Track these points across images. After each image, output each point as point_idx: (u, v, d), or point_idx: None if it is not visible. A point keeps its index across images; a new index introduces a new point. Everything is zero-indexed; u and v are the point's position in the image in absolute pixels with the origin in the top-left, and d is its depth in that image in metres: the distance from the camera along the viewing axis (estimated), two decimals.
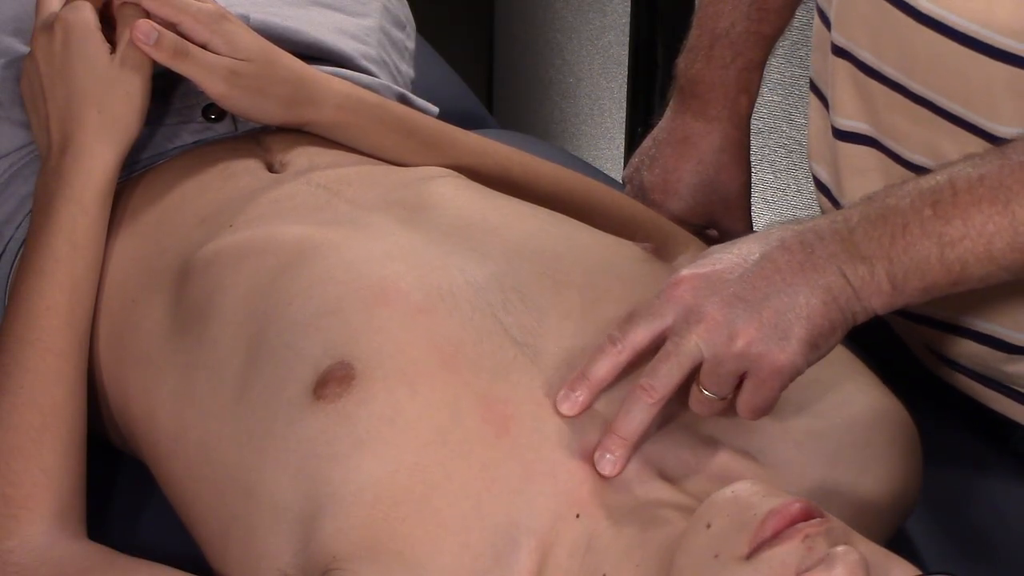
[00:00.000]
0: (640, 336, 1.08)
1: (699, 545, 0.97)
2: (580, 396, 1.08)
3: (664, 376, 1.06)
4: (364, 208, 1.24)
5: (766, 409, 1.08)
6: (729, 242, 1.10)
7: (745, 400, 1.07)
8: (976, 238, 1.05)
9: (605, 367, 1.08)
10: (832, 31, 1.29)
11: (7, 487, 1.15)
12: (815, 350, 1.06)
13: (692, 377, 1.07)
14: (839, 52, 1.28)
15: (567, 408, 1.08)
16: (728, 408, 1.08)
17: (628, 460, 1.07)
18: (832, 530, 0.94)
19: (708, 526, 0.97)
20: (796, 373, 1.06)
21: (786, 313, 1.04)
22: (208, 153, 1.34)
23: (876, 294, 1.06)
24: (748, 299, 1.05)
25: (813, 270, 1.05)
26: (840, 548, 0.92)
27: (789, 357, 1.05)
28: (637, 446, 1.07)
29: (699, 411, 1.08)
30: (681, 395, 1.08)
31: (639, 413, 1.06)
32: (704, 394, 1.07)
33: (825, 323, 1.05)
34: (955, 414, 1.37)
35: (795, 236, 1.07)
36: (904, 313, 1.34)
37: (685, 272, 1.08)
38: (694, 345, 1.05)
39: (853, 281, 1.05)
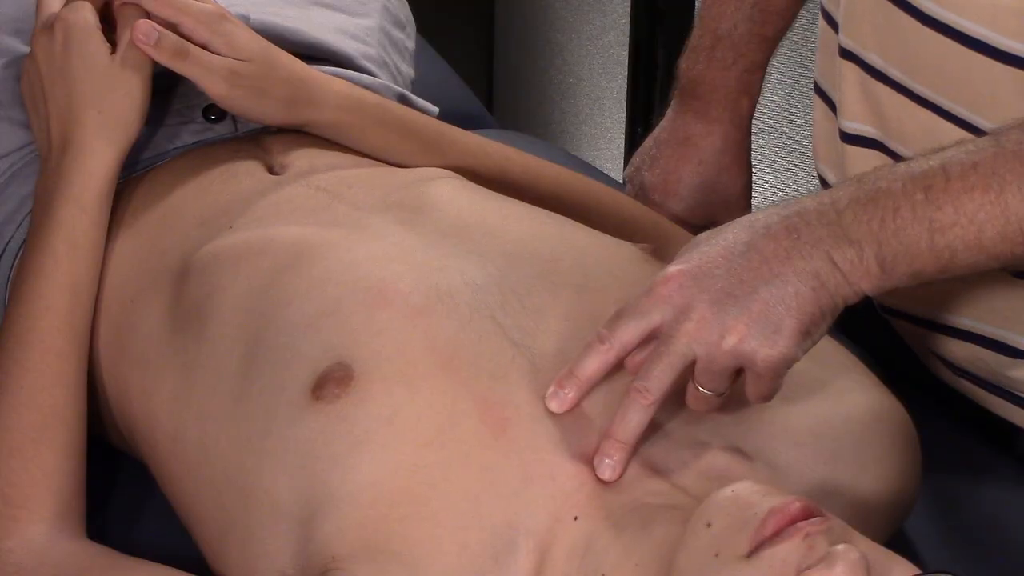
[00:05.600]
0: (629, 334, 1.07)
1: (699, 544, 0.97)
2: (569, 394, 1.08)
3: (657, 378, 1.05)
4: (364, 210, 1.24)
5: (771, 395, 1.08)
6: (715, 230, 1.09)
7: (749, 391, 1.07)
8: (967, 225, 1.04)
9: (594, 365, 1.08)
10: (840, 33, 1.28)
11: (6, 487, 1.15)
12: (808, 338, 1.05)
13: (687, 375, 1.07)
14: (846, 55, 1.28)
15: (556, 406, 1.08)
16: (727, 403, 1.08)
17: (627, 464, 1.07)
18: (832, 529, 0.94)
19: (708, 525, 0.97)
20: (792, 363, 1.05)
21: (776, 305, 1.04)
22: (208, 154, 1.34)
23: (865, 277, 1.05)
24: (736, 294, 1.04)
25: (800, 257, 1.04)
26: (840, 547, 0.92)
27: (781, 350, 1.04)
28: (635, 449, 1.07)
29: (697, 408, 1.08)
30: (679, 395, 1.08)
31: (635, 415, 1.06)
32: (701, 391, 1.07)
33: (816, 310, 1.04)
34: (959, 417, 1.36)
35: (781, 221, 1.06)
36: (908, 317, 1.33)
37: (672, 269, 1.07)
38: (685, 345, 1.05)
39: (841, 265, 1.04)
